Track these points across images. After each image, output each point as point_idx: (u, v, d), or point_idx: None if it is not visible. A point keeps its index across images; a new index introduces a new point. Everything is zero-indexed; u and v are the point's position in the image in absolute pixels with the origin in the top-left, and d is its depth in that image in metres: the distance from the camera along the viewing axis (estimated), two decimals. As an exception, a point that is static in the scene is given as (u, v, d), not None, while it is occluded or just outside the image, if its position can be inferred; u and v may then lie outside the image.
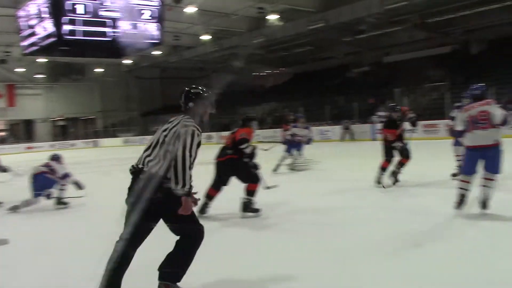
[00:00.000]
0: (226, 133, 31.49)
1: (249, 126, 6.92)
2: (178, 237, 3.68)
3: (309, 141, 12.81)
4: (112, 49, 19.90)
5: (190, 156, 3.46)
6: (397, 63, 31.22)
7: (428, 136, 20.53)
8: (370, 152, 12.90)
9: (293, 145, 12.42)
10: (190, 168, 3.47)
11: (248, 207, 6.74)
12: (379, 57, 33.63)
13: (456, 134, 7.36)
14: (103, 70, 43.26)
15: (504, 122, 5.85)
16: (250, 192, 6.71)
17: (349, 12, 25.53)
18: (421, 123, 21.06)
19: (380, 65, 33.12)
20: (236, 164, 6.69)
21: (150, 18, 20.35)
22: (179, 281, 3.69)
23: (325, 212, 6.95)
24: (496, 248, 4.76)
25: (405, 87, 26.24)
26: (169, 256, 3.69)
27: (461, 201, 6.05)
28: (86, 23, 18.59)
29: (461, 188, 6.07)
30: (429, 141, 19.12)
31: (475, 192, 6.11)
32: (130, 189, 3.59)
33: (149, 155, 3.62)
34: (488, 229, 5.53)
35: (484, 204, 6.01)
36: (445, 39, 29.57)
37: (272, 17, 27.51)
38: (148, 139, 3.90)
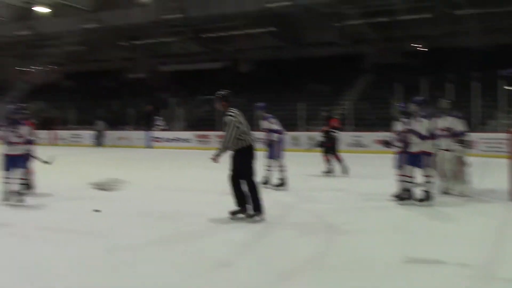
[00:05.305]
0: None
1: None
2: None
3: None
4: None
5: None
6: (173, 73, 31.75)
7: (200, 146, 21.26)
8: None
9: None
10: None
11: None
12: (155, 65, 33.69)
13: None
14: None
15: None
16: None
17: (124, 16, 25.02)
18: (195, 133, 22.00)
19: (156, 73, 33.18)
20: None
21: None
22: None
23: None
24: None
25: (180, 97, 26.78)
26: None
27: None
28: None
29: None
30: (202, 151, 19.77)
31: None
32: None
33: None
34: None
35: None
36: (217, 55, 31.21)
37: (41, 9, 25.31)
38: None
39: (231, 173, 6.52)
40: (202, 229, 6.31)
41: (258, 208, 6.48)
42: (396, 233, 6.07)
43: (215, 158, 6.45)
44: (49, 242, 5.71)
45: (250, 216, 6.49)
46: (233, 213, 6.57)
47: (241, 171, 6.47)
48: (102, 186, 7.63)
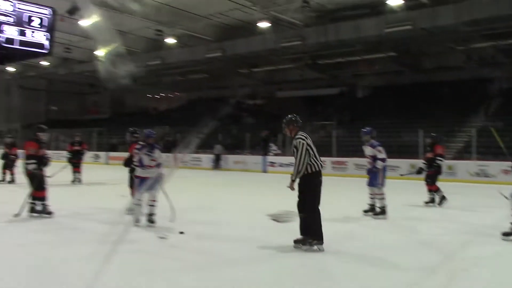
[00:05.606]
0: (114, 154, 29.70)
1: None
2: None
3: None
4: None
5: None
6: (289, 99, 32.28)
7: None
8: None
9: None
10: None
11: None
12: (272, 91, 34.59)
13: None
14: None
15: None
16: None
17: (245, 45, 26.09)
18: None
19: (272, 99, 34.03)
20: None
21: (39, 26, 19.00)
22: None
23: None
24: None
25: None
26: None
27: None
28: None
29: None
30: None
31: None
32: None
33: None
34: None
35: None
36: (334, 81, 31.21)
37: (170, 41, 27.30)
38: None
39: (299, 200, 6.29)
40: (261, 255, 6.26)
41: (317, 237, 6.20)
42: (490, 268, 5.70)
43: (291, 186, 6.26)
44: (159, 257, 6.14)
45: (309, 244, 6.21)
46: (297, 242, 6.33)
47: (306, 197, 6.20)
48: (277, 218, 7.84)
